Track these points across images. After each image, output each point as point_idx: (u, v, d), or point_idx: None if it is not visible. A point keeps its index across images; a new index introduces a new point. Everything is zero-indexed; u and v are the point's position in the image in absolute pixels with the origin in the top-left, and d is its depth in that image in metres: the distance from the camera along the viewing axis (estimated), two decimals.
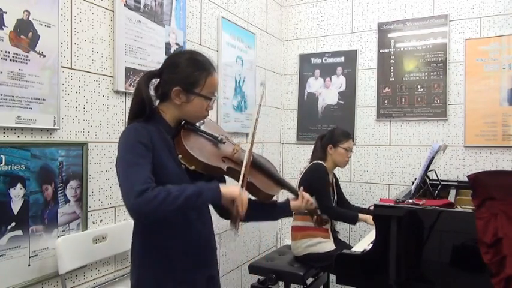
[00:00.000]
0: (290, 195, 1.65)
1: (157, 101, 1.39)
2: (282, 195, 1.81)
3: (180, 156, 1.32)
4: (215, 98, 1.39)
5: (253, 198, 1.46)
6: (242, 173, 1.33)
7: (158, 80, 1.37)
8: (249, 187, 1.41)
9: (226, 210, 1.36)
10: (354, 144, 3.34)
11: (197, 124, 1.44)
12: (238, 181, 1.33)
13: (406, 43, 3.18)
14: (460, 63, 3.01)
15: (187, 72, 1.31)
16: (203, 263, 1.40)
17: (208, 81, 1.34)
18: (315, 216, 1.71)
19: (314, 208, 1.66)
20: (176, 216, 1.29)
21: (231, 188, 1.27)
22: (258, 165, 1.51)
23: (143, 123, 1.29)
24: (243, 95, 3.04)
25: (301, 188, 1.67)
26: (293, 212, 1.62)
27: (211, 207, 1.50)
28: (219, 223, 2.83)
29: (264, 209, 1.55)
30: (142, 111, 1.30)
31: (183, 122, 1.40)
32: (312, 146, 2.84)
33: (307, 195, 1.60)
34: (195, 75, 1.32)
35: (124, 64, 1.98)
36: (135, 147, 1.22)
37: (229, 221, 1.37)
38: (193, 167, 1.31)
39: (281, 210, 1.59)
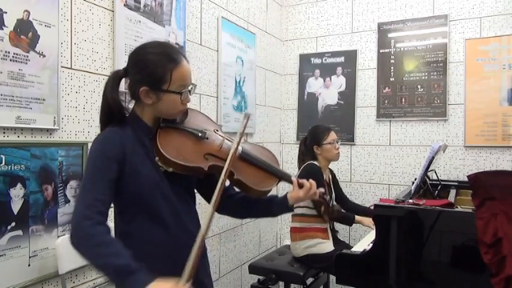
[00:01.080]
0: (291, 188, 1.45)
1: (133, 101, 1.30)
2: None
3: (156, 158, 1.22)
4: (190, 89, 1.26)
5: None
6: (221, 179, 1.19)
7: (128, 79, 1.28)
8: (238, 184, 1.32)
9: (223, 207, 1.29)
10: (353, 144, 3.34)
11: (179, 118, 1.32)
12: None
13: (406, 43, 3.18)
14: (460, 63, 3.01)
15: (150, 69, 1.20)
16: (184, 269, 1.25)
17: (175, 74, 1.21)
18: (323, 207, 1.50)
19: (320, 199, 1.44)
20: (150, 222, 1.23)
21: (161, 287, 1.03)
22: (247, 159, 1.35)
23: (117, 128, 1.22)
24: (243, 95, 3.04)
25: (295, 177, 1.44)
26: (294, 206, 1.42)
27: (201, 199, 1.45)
28: (219, 223, 2.84)
29: (260, 205, 1.44)
30: (111, 116, 1.23)
31: (161, 120, 1.29)
32: None
33: (306, 183, 1.38)
34: (159, 71, 1.20)
35: (124, 64, 1.95)
36: (98, 159, 1.17)
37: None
38: (171, 169, 1.23)
39: (279, 206, 1.42)
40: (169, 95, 1.22)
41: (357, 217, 2.64)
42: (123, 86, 1.32)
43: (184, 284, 1.05)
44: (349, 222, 2.66)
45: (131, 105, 1.31)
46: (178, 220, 1.28)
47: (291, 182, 1.41)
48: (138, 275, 1.04)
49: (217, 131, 1.39)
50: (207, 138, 1.32)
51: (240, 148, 1.33)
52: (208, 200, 1.33)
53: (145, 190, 1.21)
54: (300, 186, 1.39)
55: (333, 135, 2.69)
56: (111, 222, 1.23)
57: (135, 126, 1.25)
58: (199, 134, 1.30)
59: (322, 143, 2.66)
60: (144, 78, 1.21)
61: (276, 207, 1.43)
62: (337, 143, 2.70)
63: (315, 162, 2.64)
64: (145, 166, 1.22)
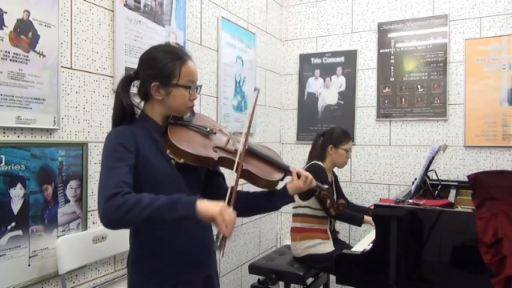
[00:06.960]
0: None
1: (143, 102, 1.39)
2: None
3: (167, 151, 1.30)
4: (198, 87, 1.36)
5: (255, 186, 1.43)
6: (236, 161, 1.29)
7: (138, 82, 1.37)
8: (247, 175, 1.37)
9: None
10: (354, 144, 3.34)
11: (186, 118, 1.41)
12: (232, 170, 1.30)
13: (406, 43, 3.18)
14: (460, 63, 3.01)
15: (160, 65, 1.30)
16: (198, 263, 1.38)
17: (183, 70, 1.31)
18: (328, 201, 1.54)
19: (315, 187, 1.48)
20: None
21: (211, 205, 1.14)
22: (254, 152, 1.44)
23: (128, 125, 1.30)
24: (243, 95, 3.04)
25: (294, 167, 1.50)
26: (294, 196, 1.46)
27: None
28: None
29: (261, 199, 1.49)
30: (124, 116, 1.31)
31: (171, 117, 1.38)
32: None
33: (304, 173, 1.44)
34: (169, 66, 1.30)
35: (124, 64, 1.98)
36: (114, 150, 1.22)
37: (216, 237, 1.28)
38: (182, 160, 1.30)
39: (280, 196, 1.46)
40: (178, 89, 1.31)
41: (366, 217, 2.61)
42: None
43: (230, 207, 1.17)
44: (359, 222, 2.65)
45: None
46: None
47: (290, 172, 1.46)
48: (184, 199, 1.15)
49: (221, 130, 1.48)
50: (215, 133, 1.42)
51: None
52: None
53: (159, 181, 1.27)
54: (299, 176, 1.44)
55: (350, 144, 2.71)
56: None
57: (145, 124, 1.33)
58: (207, 129, 1.41)
59: (339, 146, 2.66)
60: (154, 74, 1.30)
61: (277, 198, 1.47)
62: (350, 152, 2.72)
63: (319, 163, 2.63)
64: (158, 159, 1.29)
